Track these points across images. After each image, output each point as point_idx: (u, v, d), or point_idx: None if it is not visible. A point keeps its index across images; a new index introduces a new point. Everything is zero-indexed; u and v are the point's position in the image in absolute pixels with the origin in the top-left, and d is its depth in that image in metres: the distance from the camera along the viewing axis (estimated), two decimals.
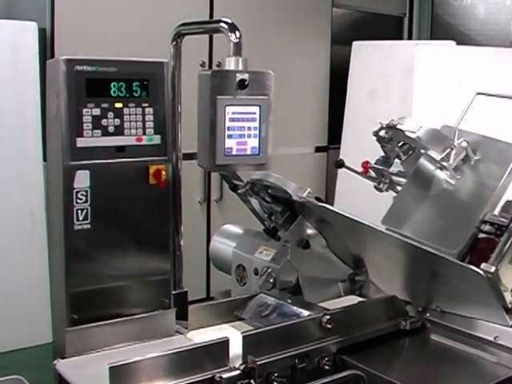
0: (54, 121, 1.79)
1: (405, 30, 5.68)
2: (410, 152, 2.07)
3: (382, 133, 2.07)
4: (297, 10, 4.70)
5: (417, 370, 1.79)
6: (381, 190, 2.18)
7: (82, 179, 1.78)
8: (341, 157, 4.21)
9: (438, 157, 1.98)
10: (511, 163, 1.96)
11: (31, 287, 3.34)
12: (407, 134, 2.01)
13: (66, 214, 1.77)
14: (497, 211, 1.95)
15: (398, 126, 2.03)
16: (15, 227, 3.34)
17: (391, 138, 2.06)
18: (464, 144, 1.99)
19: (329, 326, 1.76)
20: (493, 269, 1.66)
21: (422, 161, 2.04)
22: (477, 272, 1.58)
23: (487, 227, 1.91)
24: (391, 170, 2.15)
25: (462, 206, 1.97)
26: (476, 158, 2.01)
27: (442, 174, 2.00)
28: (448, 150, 1.98)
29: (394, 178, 2.14)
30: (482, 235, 1.92)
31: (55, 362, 1.74)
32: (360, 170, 2.27)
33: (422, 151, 2.06)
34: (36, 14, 3.60)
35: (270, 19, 4.56)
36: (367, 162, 2.16)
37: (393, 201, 2.13)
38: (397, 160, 2.12)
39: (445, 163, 1.98)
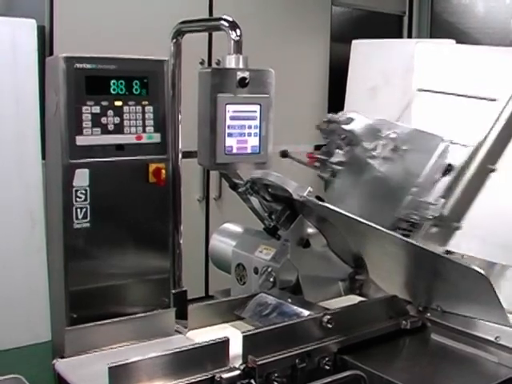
0: (54, 119, 1.78)
1: (404, 29, 5.68)
2: (352, 143, 2.25)
3: (323, 126, 2.26)
4: (296, 8, 4.69)
5: (417, 370, 1.78)
6: (323, 178, 2.35)
7: (82, 177, 1.78)
8: None
9: (369, 147, 2.17)
10: (435, 152, 2.10)
11: (30, 286, 3.33)
12: (343, 127, 2.19)
13: (65, 213, 1.77)
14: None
15: (335, 120, 2.22)
16: (14, 226, 3.33)
17: (332, 130, 2.24)
18: (393, 135, 2.15)
19: (329, 325, 1.76)
20: None
21: (357, 151, 2.23)
22: (479, 272, 1.57)
23: (403, 224, 2.07)
24: (332, 159, 2.30)
25: (389, 192, 2.15)
26: (404, 148, 2.15)
27: (373, 163, 2.18)
28: (377, 141, 2.16)
29: (335, 167, 2.30)
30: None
31: (54, 361, 1.73)
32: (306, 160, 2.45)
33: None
34: (35, 11, 3.58)
35: (270, 17, 4.55)
36: (312, 153, 2.34)
37: (330, 186, 2.32)
38: (338, 150, 2.28)
39: (375, 153, 2.17)
